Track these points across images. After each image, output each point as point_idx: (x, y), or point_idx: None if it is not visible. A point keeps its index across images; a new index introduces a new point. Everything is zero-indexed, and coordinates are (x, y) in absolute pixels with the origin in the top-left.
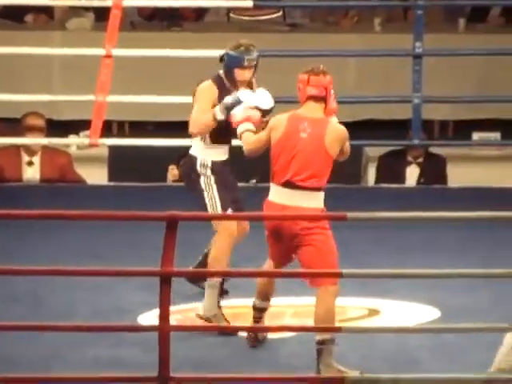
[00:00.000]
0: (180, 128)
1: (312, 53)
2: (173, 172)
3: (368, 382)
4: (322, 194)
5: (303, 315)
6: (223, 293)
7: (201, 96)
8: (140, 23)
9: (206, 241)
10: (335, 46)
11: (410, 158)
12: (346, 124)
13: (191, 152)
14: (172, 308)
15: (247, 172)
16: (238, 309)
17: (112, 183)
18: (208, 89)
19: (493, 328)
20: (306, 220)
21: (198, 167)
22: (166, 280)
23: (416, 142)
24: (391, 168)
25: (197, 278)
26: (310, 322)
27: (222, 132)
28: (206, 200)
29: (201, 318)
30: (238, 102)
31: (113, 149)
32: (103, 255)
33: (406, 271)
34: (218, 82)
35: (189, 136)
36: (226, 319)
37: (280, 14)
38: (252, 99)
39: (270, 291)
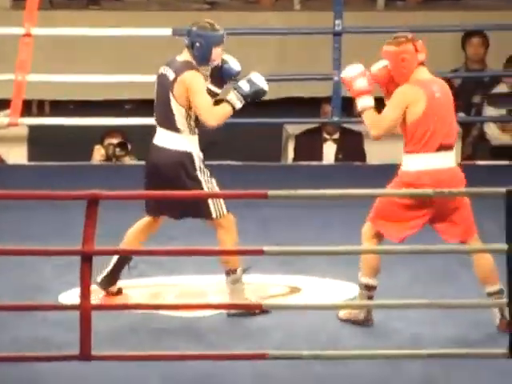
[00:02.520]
0: (101, 107)
1: (232, 31)
2: (99, 152)
3: (290, 358)
4: None
5: (225, 293)
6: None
7: (199, 87)
8: (58, 2)
9: (132, 221)
10: (255, 24)
11: (325, 135)
12: (267, 102)
13: (178, 147)
14: (94, 287)
15: None
16: (159, 287)
17: (32, 163)
18: (200, 77)
19: (412, 304)
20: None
21: (198, 163)
22: (86, 259)
23: (336, 119)
24: (308, 146)
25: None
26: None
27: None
28: (209, 200)
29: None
30: (256, 87)
31: (33, 128)
32: (26, 235)
33: (326, 248)
34: (194, 67)
35: (116, 115)
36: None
37: None
38: (263, 81)
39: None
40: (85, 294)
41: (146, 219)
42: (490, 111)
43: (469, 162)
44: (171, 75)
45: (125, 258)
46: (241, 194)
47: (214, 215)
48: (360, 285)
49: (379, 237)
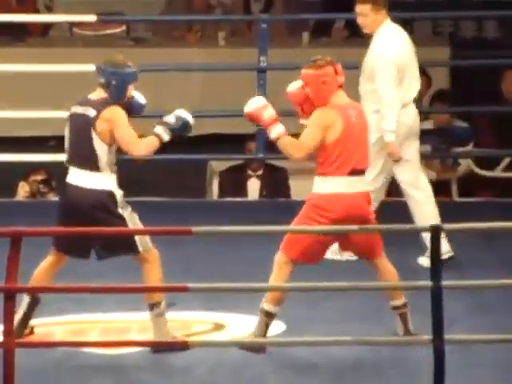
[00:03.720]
0: (26, 143)
1: (156, 67)
2: (24, 188)
3: None
4: None
5: (149, 330)
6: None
7: (123, 120)
8: None
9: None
10: (180, 60)
11: (250, 172)
12: (191, 138)
13: (98, 186)
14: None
15: None
16: (81, 324)
17: None
18: (122, 112)
19: (338, 341)
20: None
21: (119, 200)
22: (9, 296)
23: (260, 155)
24: (233, 182)
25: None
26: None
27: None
28: (136, 236)
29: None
30: (184, 121)
31: None
32: None
33: (250, 285)
34: (113, 104)
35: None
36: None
37: (124, 28)
38: (189, 116)
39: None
40: (8, 331)
41: (53, 257)
42: None
43: (394, 198)
44: (91, 113)
45: (35, 300)
46: (165, 231)
47: (140, 249)
48: (261, 310)
49: (291, 264)
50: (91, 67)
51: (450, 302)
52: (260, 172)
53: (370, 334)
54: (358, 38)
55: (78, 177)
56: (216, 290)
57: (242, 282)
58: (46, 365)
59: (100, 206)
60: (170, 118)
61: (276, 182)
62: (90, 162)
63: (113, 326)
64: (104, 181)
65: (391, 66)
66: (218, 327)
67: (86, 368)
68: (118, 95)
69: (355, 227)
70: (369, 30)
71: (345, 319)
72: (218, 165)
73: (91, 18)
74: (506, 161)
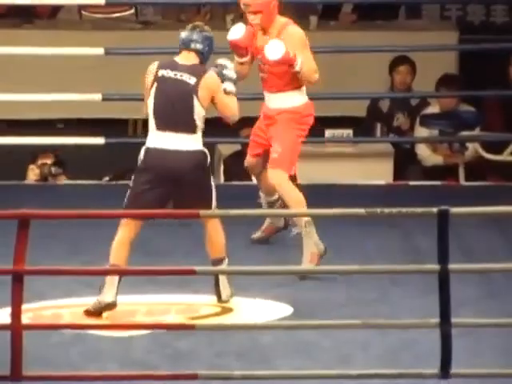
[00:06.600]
0: (34, 126)
1: (165, 50)
2: (34, 171)
3: (220, 377)
4: None
5: (156, 313)
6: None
7: (221, 87)
8: None
9: (62, 238)
10: None
11: None
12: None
13: (195, 147)
14: (25, 306)
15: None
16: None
17: None
18: (218, 78)
19: (344, 324)
20: None
21: (209, 159)
22: (17, 278)
23: None
24: (237, 167)
25: None
26: (163, 320)
27: None
28: (213, 195)
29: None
30: (230, 68)
31: None
32: None
33: (257, 268)
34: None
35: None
36: None
37: (132, 11)
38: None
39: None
40: (16, 313)
41: (126, 228)
42: (422, 132)
43: (401, 182)
44: (191, 79)
45: None
46: (174, 214)
47: (213, 206)
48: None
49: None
50: (100, 50)
51: (458, 286)
52: None
53: (377, 317)
54: (366, 21)
55: (173, 141)
56: (224, 273)
57: (246, 266)
58: (54, 347)
59: (200, 166)
60: (228, 72)
61: None
62: (187, 125)
63: (120, 309)
64: (198, 142)
65: None
66: (226, 310)
67: (93, 351)
68: (206, 60)
69: (362, 211)
70: None
71: (352, 302)
72: (226, 149)
73: (100, 0)
74: None
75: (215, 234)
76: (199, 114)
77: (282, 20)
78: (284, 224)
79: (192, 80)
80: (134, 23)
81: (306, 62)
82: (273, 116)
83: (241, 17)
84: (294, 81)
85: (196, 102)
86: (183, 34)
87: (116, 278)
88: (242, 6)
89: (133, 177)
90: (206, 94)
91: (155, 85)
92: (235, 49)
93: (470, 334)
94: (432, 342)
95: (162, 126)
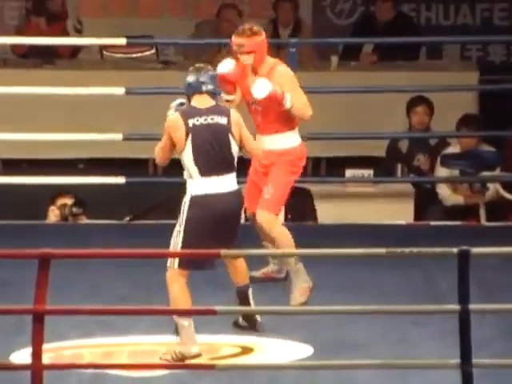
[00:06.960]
0: (55, 166)
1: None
2: (54, 212)
3: None
4: None
5: None
6: None
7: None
8: (13, 60)
9: (83, 278)
10: None
11: None
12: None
13: (236, 186)
14: (45, 346)
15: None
16: (109, 347)
17: None
18: None
19: (364, 365)
20: None
21: None
22: (38, 318)
23: None
24: None
25: None
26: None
27: None
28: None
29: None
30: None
31: None
32: None
33: (279, 308)
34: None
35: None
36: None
37: (153, 51)
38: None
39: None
40: (37, 353)
41: (181, 277)
42: (442, 172)
43: (422, 222)
44: (223, 120)
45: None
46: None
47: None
48: None
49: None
50: (120, 90)
51: (478, 326)
52: None
53: (397, 358)
54: (387, 61)
55: (221, 183)
56: (244, 313)
57: (269, 306)
58: None
59: (243, 204)
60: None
61: (300, 203)
62: (230, 165)
63: (140, 349)
64: (235, 179)
65: None
66: (247, 351)
67: None
68: (216, 97)
69: (383, 251)
70: None
71: (371, 342)
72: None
73: (121, 41)
74: None
75: (239, 261)
76: (236, 151)
77: (271, 60)
78: (284, 276)
79: (224, 120)
80: (155, 63)
81: (297, 99)
82: (268, 157)
83: None
84: (287, 122)
85: (232, 140)
86: (190, 79)
87: (190, 327)
88: (235, 47)
89: (182, 227)
90: (236, 130)
91: (190, 136)
92: (223, 83)
93: (491, 375)
94: (453, 383)
95: (207, 171)
